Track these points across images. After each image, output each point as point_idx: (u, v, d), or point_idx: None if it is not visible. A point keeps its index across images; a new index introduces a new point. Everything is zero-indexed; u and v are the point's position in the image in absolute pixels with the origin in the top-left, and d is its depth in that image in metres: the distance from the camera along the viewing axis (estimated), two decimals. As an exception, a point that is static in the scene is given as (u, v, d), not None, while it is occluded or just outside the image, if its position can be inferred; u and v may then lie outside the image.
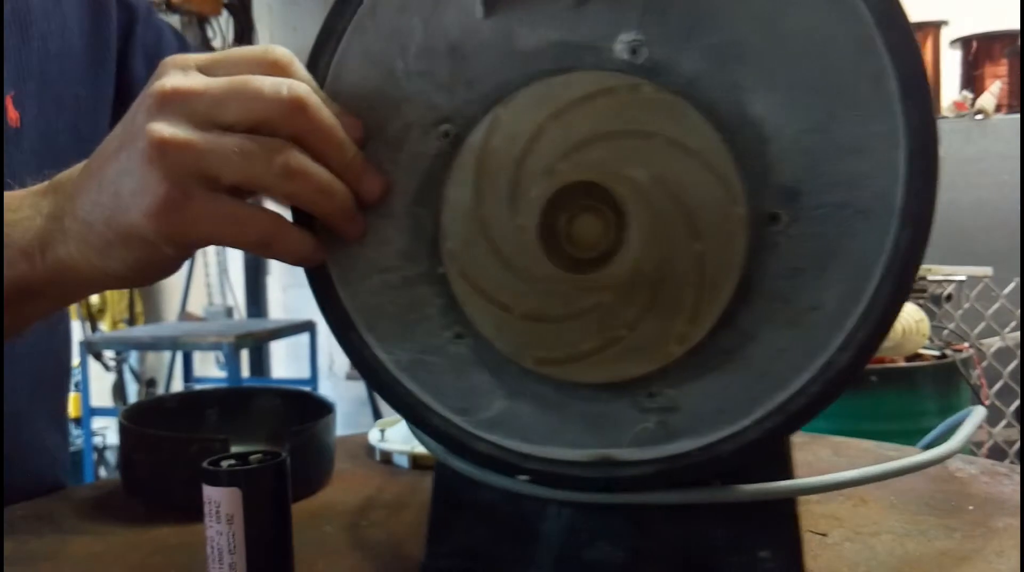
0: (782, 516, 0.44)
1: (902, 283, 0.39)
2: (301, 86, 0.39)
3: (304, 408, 0.69)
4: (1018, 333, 1.64)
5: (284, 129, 0.38)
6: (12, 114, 0.60)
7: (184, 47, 0.78)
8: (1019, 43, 2.22)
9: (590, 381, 0.42)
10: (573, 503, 0.45)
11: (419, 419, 0.46)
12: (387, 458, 0.70)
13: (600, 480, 0.42)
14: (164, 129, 0.37)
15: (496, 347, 0.43)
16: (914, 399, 1.32)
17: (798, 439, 0.76)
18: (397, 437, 0.71)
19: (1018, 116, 2.09)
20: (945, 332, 1.43)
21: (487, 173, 0.43)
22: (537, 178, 0.41)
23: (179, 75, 0.38)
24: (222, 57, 0.40)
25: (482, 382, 0.44)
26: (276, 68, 0.39)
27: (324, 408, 0.67)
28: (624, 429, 0.42)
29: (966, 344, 1.46)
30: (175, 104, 0.37)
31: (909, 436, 1.35)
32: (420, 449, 0.64)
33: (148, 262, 0.40)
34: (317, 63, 0.47)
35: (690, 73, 0.41)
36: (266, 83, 0.38)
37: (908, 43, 0.39)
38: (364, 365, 0.46)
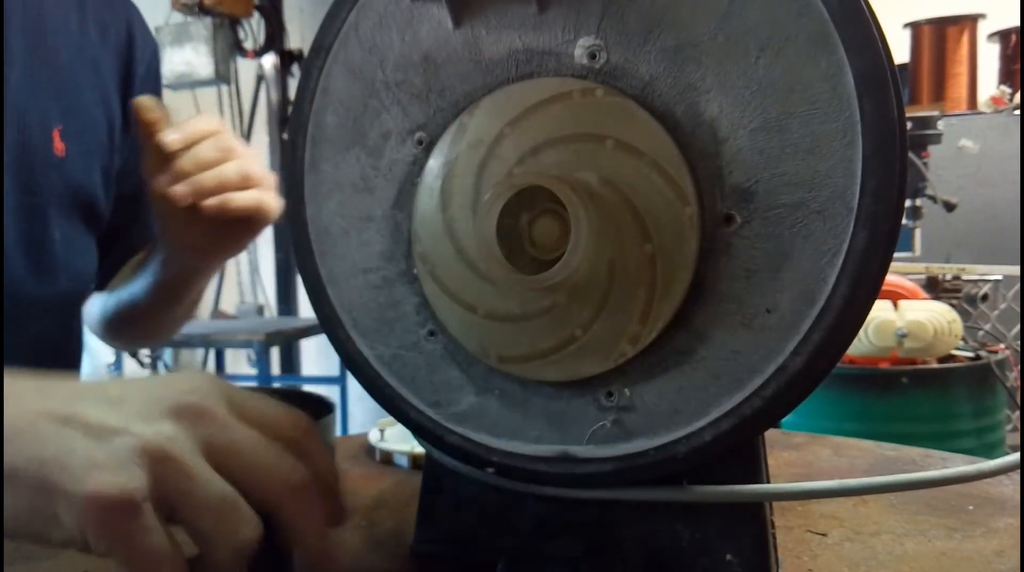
0: (750, 519, 0.42)
1: (858, 286, 0.36)
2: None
3: (304, 408, 0.67)
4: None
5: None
6: (59, 145, 0.62)
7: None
8: (1020, 37, 2.01)
9: (549, 379, 0.41)
10: (544, 496, 0.45)
11: (397, 411, 0.46)
12: (387, 458, 0.67)
13: (559, 476, 0.39)
14: (179, 439, 0.30)
15: (463, 345, 0.42)
16: (947, 401, 1.23)
17: (798, 439, 0.72)
18: (397, 437, 0.68)
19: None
20: (980, 333, 1.32)
21: (452, 178, 0.41)
22: (496, 183, 0.41)
23: (217, 405, 0.33)
24: (257, 414, 0.34)
25: (453, 378, 0.44)
26: (296, 444, 0.34)
27: (324, 408, 0.65)
28: (583, 427, 0.41)
29: (1002, 345, 1.34)
30: (201, 425, 0.31)
31: (942, 439, 1.25)
32: (420, 449, 0.59)
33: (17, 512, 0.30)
34: (308, 77, 0.48)
35: (647, 76, 0.39)
36: (284, 471, 0.33)
37: (867, 38, 0.36)
38: (350, 360, 0.47)
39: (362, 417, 2.97)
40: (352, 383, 3.15)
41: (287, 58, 2.88)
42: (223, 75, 2.83)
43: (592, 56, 0.39)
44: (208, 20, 2.73)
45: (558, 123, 0.38)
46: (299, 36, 3.01)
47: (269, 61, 2.90)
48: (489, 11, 0.41)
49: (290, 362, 3.14)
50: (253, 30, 2.87)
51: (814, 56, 0.35)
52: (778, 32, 0.36)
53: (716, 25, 0.37)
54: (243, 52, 2.88)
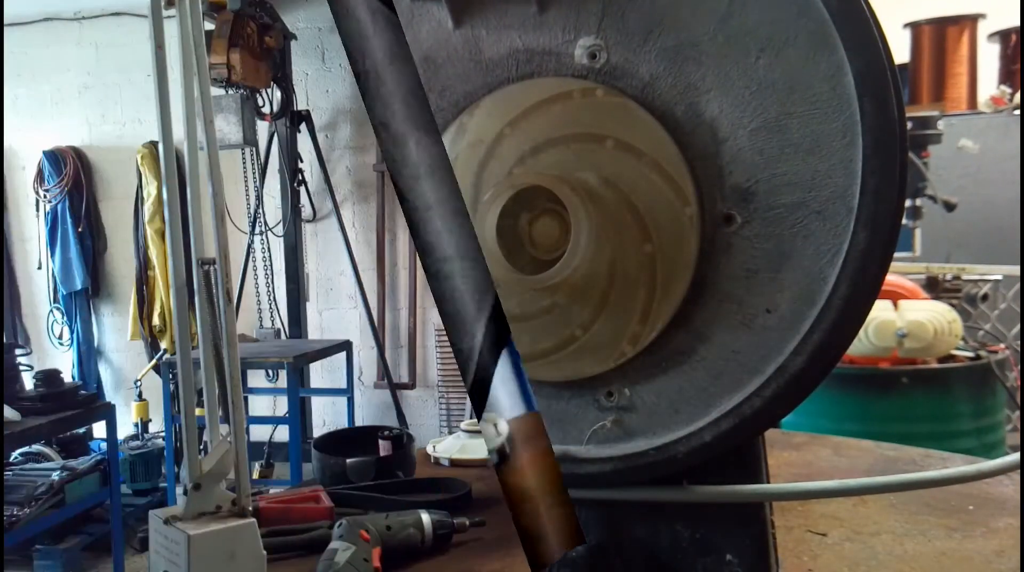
0: (750, 519, 0.42)
1: (859, 286, 0.36)
2: None
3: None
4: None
5: None
6: None
7: None
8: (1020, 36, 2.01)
9: (549, 379, 0.42)
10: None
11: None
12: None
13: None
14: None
15: (464, 345, 0.44)
16: (947, 401, 1.23)
17: (798, 439, 0.72)
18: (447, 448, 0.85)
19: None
20: (980, 333, 1.32)
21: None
22: (496, 183, 0.41)
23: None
24: None
25: (453, 378, 0.45)
26: None
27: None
28: (583, 427, 0.41)
29: (1002, 345, 1.34)
30: None
31: (942, 439, 1.25)
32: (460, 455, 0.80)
33: None
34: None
35: (647, 76, 0.39)
36: None
37: (867, 38, 0.36)
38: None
39: (367, 421, 3.16)
40: (359, 394, 3.31)
41: (295, 118, 3.29)
42: (250, 140, 3.13)
43: (592, 56, 0.39)
44: (237, 94, 3.02)
45: (558, 123, 0.38)
46: (304, 97, 3.39)
47: (282, 122, 3.20)
48: (489, 11, 0.41)
49: (301, 377, 3.37)
50: (270, 97, 3.24)
51: (814, 56, 0.35)
52: (778, 32, 0.36)
53: (716, 25, 0.37)
54: (262, 116, 3.24)
